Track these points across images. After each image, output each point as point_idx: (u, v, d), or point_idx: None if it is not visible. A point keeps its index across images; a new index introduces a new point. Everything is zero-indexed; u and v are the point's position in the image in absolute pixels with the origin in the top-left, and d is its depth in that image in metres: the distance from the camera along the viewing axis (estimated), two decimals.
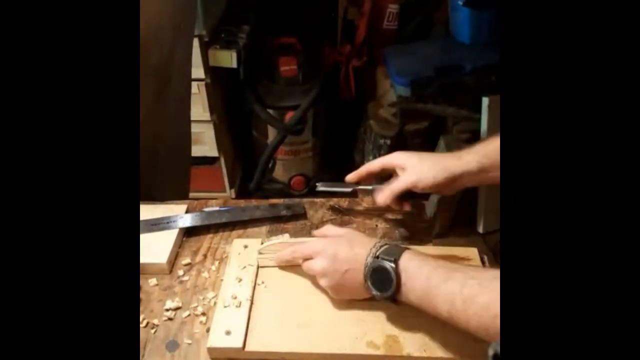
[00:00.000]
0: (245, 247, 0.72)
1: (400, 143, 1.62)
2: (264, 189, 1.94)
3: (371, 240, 0.61)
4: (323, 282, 0.62)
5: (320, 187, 0.80)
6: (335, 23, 1.91)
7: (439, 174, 0.67)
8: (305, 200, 0.83)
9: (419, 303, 0.55)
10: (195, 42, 1.51)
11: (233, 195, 1.92)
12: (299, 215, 0.80)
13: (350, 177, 0.74)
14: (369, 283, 0.58)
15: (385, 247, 0.59)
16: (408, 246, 0.60)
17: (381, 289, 0.57)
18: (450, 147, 0.86)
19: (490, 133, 0.88)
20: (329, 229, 0.69)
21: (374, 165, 0.74)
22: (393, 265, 0.56)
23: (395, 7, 1.76)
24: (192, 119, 1.11)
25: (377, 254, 0.58)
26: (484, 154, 0.66)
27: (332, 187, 0.79)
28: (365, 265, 0.58)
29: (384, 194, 0.71)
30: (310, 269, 0.64)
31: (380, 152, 1.81)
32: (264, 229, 0.78)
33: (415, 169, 0.69)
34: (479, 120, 0.99)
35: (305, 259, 0.65)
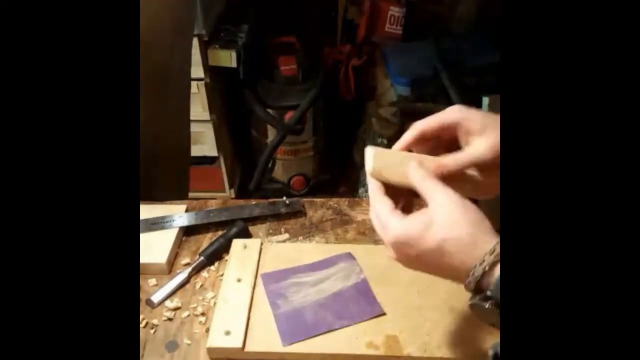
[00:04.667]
0: (245, 247, 0.71)
1: None
2: (263, 189, 1.94)
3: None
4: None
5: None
6: (335, 22, 1.91)
7: None
8: (304, 199, 0.83)
9: None
10: (195, 42, 1.51)
11: (232, 195, 1.92)
12: (298, 213, 0.80)
13: (398, 145, 0.54)
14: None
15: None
16: None
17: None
18: None
19: None
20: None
21: (428, 124, 0.53)
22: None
23: (398, 11, 1.75)
24: (191, 118, 1.11)
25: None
26: None
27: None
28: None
29: (446, 162, 0.51)
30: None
31: None
32: (263, 228, 0.78)
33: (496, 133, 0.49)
34: None
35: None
